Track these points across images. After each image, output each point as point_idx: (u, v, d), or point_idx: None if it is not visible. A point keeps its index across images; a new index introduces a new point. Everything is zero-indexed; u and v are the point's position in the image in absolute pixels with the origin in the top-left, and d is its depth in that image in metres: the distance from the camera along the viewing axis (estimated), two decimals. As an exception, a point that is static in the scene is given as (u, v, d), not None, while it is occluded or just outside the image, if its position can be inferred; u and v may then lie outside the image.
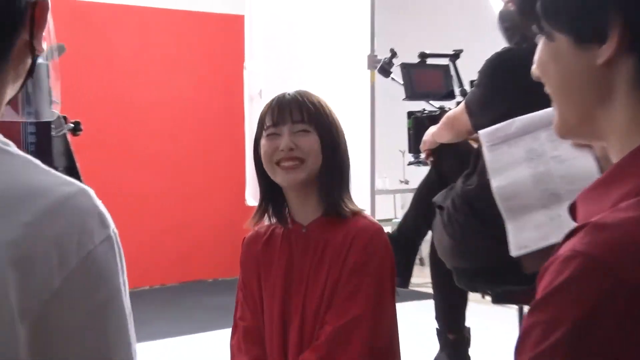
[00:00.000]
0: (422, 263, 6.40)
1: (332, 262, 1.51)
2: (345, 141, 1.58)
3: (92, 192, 0.72)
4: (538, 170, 1.74)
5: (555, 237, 1.68)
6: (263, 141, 1.57)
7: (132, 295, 0.73)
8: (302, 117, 1.54)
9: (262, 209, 1.59)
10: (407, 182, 6.36)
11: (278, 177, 1.54)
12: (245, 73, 4.44)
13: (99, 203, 0.72)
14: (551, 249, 0.64)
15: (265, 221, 1.63)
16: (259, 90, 4.24)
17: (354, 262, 1.48)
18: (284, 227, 1.60)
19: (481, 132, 1.91)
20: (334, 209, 1.53)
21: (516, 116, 1.94)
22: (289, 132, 1.54)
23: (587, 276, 0.58)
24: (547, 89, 0.71)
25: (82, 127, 2.15)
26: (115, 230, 0.73)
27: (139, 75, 5.58)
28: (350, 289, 1.48)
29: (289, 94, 1.57)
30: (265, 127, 1.57)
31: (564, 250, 0.61)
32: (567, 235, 0.62)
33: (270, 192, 1.58)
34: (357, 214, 1.55)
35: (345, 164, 1.56)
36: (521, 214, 1.71)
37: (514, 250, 1.68)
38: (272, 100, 1.59)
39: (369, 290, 1.47)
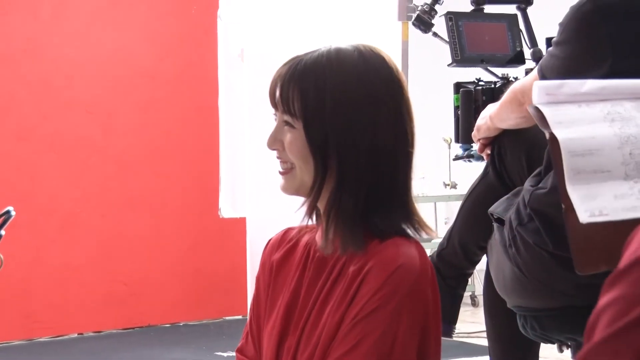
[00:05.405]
0: (474, 303, 6.44)
1: (339, 298, 1.55)
2: (384, 141, 1.56)
3: None
4: (625, 132, 1.77)
5: None
6: None
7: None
8: (287, 104, 1.56)
9: (310, 200, 1.61)
10: (454, 186, 6.39)
11: None
12: (220, 25, 4.48)
13: None
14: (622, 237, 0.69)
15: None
16: (239, 51, 4.27)
17: (360, 307, 1.51)
18: (314, 234, 1.65)
19: (538, 83, 1.92)
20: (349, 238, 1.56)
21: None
22: (279, 122, 1.60)
23: None
24: None
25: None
26: None
27: (63, 28, 5.63)
28: (349, 344, 1.50)
29: (287, 63, 1.59)
30: None
31: None
32: None
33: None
34: (397, 236, 1.56)
35: (368, 172, 1.55)
36: (595, 178, 1.74)
37: (586, 216, 1.70)
38: None
39: (373, 351, 1.48)
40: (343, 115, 1.54)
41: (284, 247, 1.71)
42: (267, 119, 1.64)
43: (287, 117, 1.57)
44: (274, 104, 1.60)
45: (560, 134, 1.79)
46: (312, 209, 1.59)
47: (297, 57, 1.58)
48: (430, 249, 3.67)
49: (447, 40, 3.07)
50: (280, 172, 1.61)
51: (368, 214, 1.56)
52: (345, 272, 1.55)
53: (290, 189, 1.60)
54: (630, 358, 0.66)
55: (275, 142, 1.59)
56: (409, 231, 1.58)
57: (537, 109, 1.85)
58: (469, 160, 2.90)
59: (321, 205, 1.59)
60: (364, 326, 1.49)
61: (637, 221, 0.74)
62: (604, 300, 0.69)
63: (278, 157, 1.60)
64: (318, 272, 1.61)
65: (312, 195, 1.57)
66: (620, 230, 0.88)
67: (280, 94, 1.57)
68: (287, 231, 1.73)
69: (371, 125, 1.54)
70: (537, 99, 1.88)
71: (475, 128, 2.56)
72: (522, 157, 2.46)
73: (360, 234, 1.54)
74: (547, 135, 1.83)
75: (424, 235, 1.61)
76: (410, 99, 1.61)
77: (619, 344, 0.67)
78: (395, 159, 1.57)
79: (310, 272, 1.62)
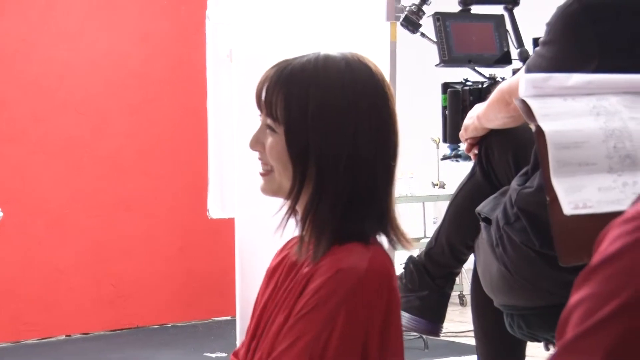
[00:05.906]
0: (462, 302, 6.47)
1: (289, 298, 1.59)
2: (364, 152, 1.56)
3: None
4: (610, 126, 1.79)
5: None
6: None
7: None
8: (271, 108, 1.57)
9: (288, 203, 1.62)
10: (442, 186, 6.41)
11: None
12: (209, 25, 4.48)
13: None
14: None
15: None
16: (228, 51, 4.28)
17: (300, 306, 1.54)
18: None
19: (525, 75, 1.94)
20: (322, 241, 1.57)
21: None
22: (262, 124, 1.61)
23: None
24: None
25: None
26: None
27: (54, 29, 5.63)
28: (286, 342, 1.53)
29: (275, 66, 1.60)
30: None
31: (633, 208, 0.67)
32: None
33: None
34: (356, 241, 1.56)
35: (347, 181, 1.56)
36: (580, 171, 1.75)
37: (570, 208, 1.72)
38: None
39: (307, 349, 1.50)
40: (324, 125, 1.54)
41: (282, 254, 1.73)
42: (255, 120, 1.64)
43: (269, 121, 1.58)
44: (259, 105, 1.61)
45: (546, 126, 1.81)
46: (290, 212, 1.61)
47: (286, 61, 1.59)
48: (418, 249, 3.68)
49: (435, 40, 3.08)
50: (260, 173, 1.63)
51: (343, 221, 1.56)
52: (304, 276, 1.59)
53: (269, 190, 1.62)
54: (602, 356, 0.67)
55: (257, 144, 1.61)
56: (378, 238, 1.59)
57: (524, 102, 1.87)
58: (457, 160, 2.92)
59: (300, 209, 1.60)
60: (300, 326, 1.51)
61: (619, 214, 0.75)
62: (575, 297, 0.70)
63: (259, 159, 1.63)
64: (287, 275, 1.65)
65: (291, 199, 1.59)
66: (603, 222, 0.89)
67: (265, 98, 1.58)
68: (292, 239, 1.73)
69: (352, 136, 1.55)
70: (523, 91, 1.89)
71: (462, 128, 2.57)
72: (509, 157, 2.47)
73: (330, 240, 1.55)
74: (534, 128, 1.85)
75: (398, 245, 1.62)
76: (395, 112, 1.60)
77: (591, 342, 0.68)
78: (375, 170, 1.57)
79: (282, 276, 1.66)
